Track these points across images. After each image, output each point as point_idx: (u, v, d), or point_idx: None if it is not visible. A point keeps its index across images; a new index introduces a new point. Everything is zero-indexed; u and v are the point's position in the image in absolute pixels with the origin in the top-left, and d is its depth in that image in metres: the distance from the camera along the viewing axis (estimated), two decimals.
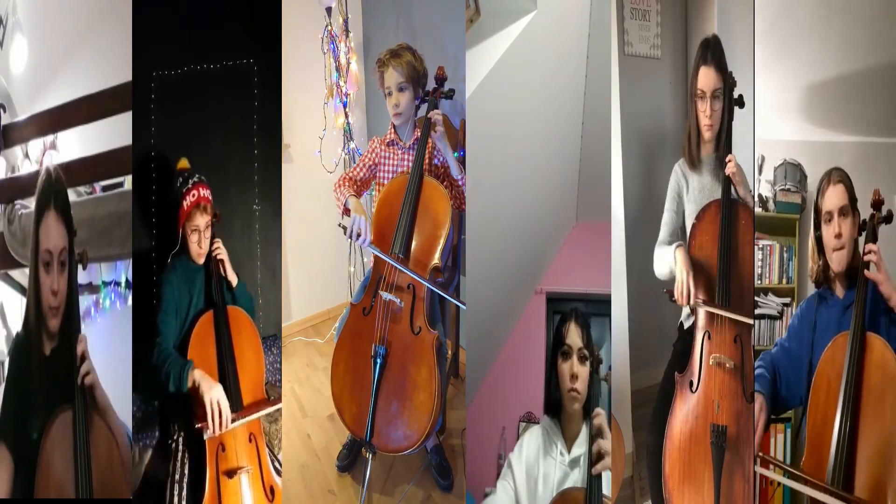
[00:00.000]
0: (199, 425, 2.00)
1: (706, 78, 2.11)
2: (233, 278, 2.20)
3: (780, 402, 2.02)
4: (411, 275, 2.16)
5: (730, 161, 2.08)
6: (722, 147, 2.15)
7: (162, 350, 2.04)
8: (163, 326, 2.08)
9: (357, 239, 2.24)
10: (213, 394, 1.99)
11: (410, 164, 2.33)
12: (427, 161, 2.35)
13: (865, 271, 1.87)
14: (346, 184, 2.40)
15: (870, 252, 1.88)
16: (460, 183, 2.30)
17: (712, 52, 2.11)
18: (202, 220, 2.12)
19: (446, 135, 2.29)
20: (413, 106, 2.40)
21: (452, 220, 2.26)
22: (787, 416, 2.36)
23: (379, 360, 2.17)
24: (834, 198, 1.94)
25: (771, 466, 1.95)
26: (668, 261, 2.10)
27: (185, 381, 1.99)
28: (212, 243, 2.17)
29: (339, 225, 2.30)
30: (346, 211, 2.32)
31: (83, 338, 1.98)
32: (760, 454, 1.96)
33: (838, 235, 1.93)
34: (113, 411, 2.01)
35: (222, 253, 2.18)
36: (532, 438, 1.90)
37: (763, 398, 1.98)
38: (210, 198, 2.14)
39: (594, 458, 1.77)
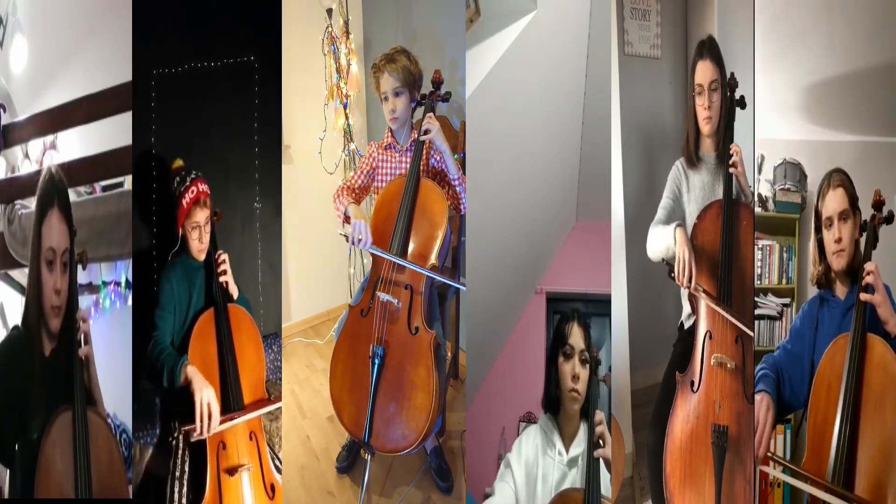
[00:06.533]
0: (187, 428, 1.98)
1: (703, 71, 2.13)
2: (234, 292, 2.20)
3: (784, 403, 2.01)
4: (412, 266, 2.16)
5: (735, 153, 2.08)
6: (721, 146, 2.15)
7: (158, 343, 2.06)
8: (160, 321, 2.09)
9: (359, 243, 2.24)
10: (204, 394, 1.98)
11: (408, 167, 2.33)
12: (424, 162, 2.35)
13: (862, 294, 1.83)
14: (345, 192, 2.39)
15: (868, 273, 1.84)
16: (456, 184, 2.30)
17: (708, 48, 2.14)
18: (202, 216, 2.12)
19: (443, 135, 2.29)
20: (409, 109, 2.40)
21: (450, 221, 2.26)
22: (787, 417, 2.36)
23: (377, 361, 2.16)
24: (834, 202, 1.93)
25: (772, 464, 1.94)
26: (668, 241, 2.06)
27: (177, 377, 2.00)
28: (216, 249, 2.17)
29: (340, 234, 2.32)
30: (347, 219, 2.32)
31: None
32: (769, 453, 1.94)
33: (839, 240, 1.92)
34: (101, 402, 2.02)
35: (226, 266, 2.18)
36: (530, 438, 1.90)
37: (769, 397, 1.96)
38: (208, 192, 2.14)
39: (595, 443, 1.78)
